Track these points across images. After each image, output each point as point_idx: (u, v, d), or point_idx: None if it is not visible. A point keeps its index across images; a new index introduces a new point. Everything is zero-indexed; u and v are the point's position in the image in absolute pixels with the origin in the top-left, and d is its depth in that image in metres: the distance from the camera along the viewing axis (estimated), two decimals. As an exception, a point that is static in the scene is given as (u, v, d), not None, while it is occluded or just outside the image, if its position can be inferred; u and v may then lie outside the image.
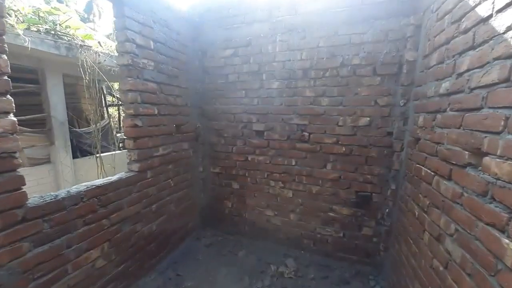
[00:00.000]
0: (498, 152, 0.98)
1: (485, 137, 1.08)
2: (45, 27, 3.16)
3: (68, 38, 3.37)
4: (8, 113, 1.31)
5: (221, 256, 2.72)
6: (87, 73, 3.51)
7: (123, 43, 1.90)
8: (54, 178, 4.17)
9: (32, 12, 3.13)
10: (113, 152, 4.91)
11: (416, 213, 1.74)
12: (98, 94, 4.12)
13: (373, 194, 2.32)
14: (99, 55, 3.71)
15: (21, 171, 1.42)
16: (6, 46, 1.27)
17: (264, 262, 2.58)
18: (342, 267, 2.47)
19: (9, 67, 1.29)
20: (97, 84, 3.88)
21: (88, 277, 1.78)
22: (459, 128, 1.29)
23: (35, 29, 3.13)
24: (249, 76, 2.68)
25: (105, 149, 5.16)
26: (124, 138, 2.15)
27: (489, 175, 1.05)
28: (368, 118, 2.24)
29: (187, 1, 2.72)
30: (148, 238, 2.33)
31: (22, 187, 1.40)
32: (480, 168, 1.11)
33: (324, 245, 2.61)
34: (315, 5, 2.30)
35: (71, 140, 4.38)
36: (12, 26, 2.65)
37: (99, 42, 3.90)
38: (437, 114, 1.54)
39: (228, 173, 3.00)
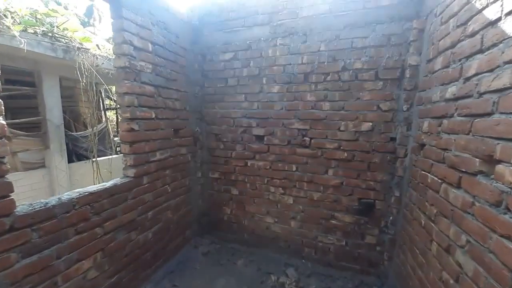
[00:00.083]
0: (514, 160, 0.93)
1: (498, 143, 1.03)
2: (42, 29, 3.12)
3: (66, 40, 3.33)
4: (-5, 116, 1.24)
5: (220, 265, 2.62)
6: (84, 76, 3.46)
7: (120, 45, 1.86)
8: (49, 183, 4.07)
9: (30, 14, 3.10)
10: (110, 157, 4.82)
11: (423, 222, 1.67)
12: (95, 97, 4.06)
13: (376, 201, 2.26)
14: (97, 57, 3.67)
15: (15, 176, 1.35)
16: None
17: (264, 272, 2.49)
18: (344, 277, 2.39)
19: (-2, 68, 1.23)
20: (94, 87, 3.83)
21: (79, 289, 1.69)
22: (468, 134, 1.25)
23: (32, 31, 3.09)
24: (249, 80, 2.64)
25: (101, 153, 5.07)
26: (121, 142, 2.09)
27: (503, 184, 0.99)
28: (371, 123, 2.19)
29: (187, 3, 2.70)
30: (143, 247, 2.24)
31: (10, 194, 1.33)
32: (492, 176, 1.06)
33: (326, 254, 2.53)
34: (317, 9, 2.28)
35: (67, 144, 4.30)
36: (8, 27, 2.60)
37: (97, 45, 3.87)
38: (443, 120, 1.50)
39: (227, 178, 2.93)
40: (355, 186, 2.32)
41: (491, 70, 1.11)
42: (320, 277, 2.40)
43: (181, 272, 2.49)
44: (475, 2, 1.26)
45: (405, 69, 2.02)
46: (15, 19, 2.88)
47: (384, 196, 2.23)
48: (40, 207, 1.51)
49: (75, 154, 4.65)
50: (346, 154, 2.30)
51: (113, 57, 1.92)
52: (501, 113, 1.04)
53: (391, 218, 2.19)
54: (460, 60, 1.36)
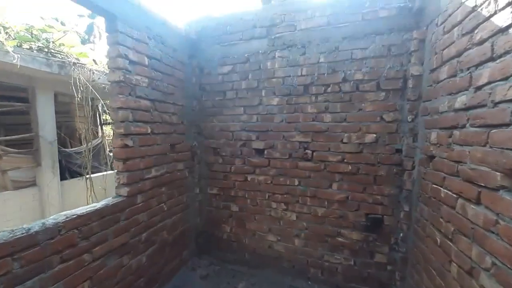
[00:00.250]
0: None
1: (522, 156, 0.95)
2: (37, 44, 3.09)
3: (62, 55, 3.29)
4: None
5: (219, 289, 2.43)
6: (79, 91, 3.39)
7: (115, 59, 1.80)
8: (39, 202, 3.89)
9: (25, 29, 3.08)
10: (105, 173, 4.67)
11: (438, 240, 1.55)
12: (91, 112, 3.99)
13: (385, 216, 2.14)
14: (93, 72, 3.63)
15: (3, 195, 1.23)
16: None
17: (267, 296, 2.31)
18: (354, 300, 2.21)
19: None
20: (90, 102, 3.76)
21: (63, 325, 1.51)
22: (484, 146, 1.17)
23: (27, 47, 3.05)
24: (247, 92, 2.59)
25: (96, 169, 4.92)
26: (114, 159, 1.98)
27: (532, 201, 0.90)
28: (375, 135, 2.12)
29: (184, 18, 2.70)
30: (136, 272, 2.07)
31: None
32: (518, 192, 0.97)
33: (333, 275, 2.36)
34: (315, 21, 2.27)
35: (60, 161, 4.16)
36: (1, 42, 2.56)
37: (94, 60, 3.84)
38: (453, 130, 1.43)
39: (226, 194, 2.80)
40: (362, 200, 2.20)
41: (506, 78, 1.05)
42: (328, 301, 2.22)
43: (178, 299, 2.30)
44: (481, 10, 1.23)
45: (407, 79, 1.98)
46: (9, 35, 2.85)
47: (393, 211, 2.11)
48: (22, 233, 1.38)
49: (68, 171, 4.50)
50: (350, 167, 2.21)
51: (108, 71, 1.85)
52: (522, 123, 0.96)
53: (401, 234, 2.06)
54: (468, 68, 1.31)
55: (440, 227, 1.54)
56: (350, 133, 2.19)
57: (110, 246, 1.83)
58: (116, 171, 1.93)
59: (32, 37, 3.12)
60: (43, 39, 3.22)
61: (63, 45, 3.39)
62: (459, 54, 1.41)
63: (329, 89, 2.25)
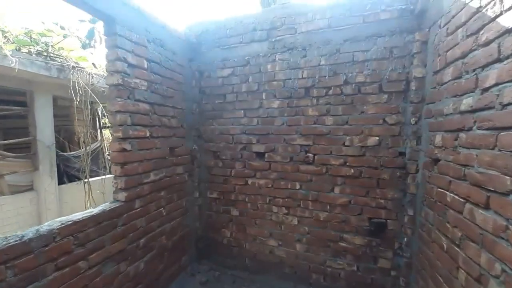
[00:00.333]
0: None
1: (533, 160, 0.91)
2: (36, 48, 3.07)
3: (61, 59, 3.27)
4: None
5: (219, 296, 2.38)
6: (78, 94, 3.37)
7: (114, 62, 1.77)
8: (36, 207, 3.84)
9: (24, 33, 3.06)
10: (103, 177, 4.63)
11: (445, 246, 1.51)
12: (90, 116, 3.96)
13: (388, 220, 2.10)
14: (92, 76, 3.61)
15: (0, 200, 1.18)
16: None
17: (269, 303, 2.25)
18: (358, 308, 2.16)
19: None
20: (89, 106, 3.73)
21: (57, 336, 1.46)
22: (493, 149, 1.13)
23: (26, 50, 3.04)
24: (248, 95, 2.57)
25: (95, 173, 4.88)
26: (112, 164, 1.94)
27: (545, 206, 0.86)
28: (377, 138, 2.09)
29: (184, 21, 2.69)
30: (134, 279, 2.02)
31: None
32: (530, 197, 0.93)
33: (336, 281, 2.31)
34: (315, 24, 2.26)
35: (58, 165, 4.12)
36: (0, 47, 2.54)
37: (93, 64, 3.83)
38: (459, 133, 1.39)
39: (226, 198, 2.76)
40: (364, 204, 2.16)
41: (514, 80, 1.02)
42: (331, 309, 2.16)
43: (177, 307, 2.24)
44: (486, 11, 1.20)
45: (410, 82, 1.96)
46: (8, 38, 2.83)
47: (397, 215, 2.07)
48: (16, 241, 1.34)
49: (66, 175, 4.45)
50: (352, 171, 2.17)
51: (106, 75, 1.83)
52: (532, 125, 0.93)
53: (405, 239, 2.02)
54: (474, 70, 1.28)
55: (446, 232, 1.49)
56: (352, 136, 2.16)
57: (107, 253, 1.78)
58: (114, 175, 1.89)
59: (31, 41, 3.10)
60: (42, 43, 3.21)
61: (62, 49, 3.38)
62: (464, 56, 1.38)
63: (330, 92, 2.23)
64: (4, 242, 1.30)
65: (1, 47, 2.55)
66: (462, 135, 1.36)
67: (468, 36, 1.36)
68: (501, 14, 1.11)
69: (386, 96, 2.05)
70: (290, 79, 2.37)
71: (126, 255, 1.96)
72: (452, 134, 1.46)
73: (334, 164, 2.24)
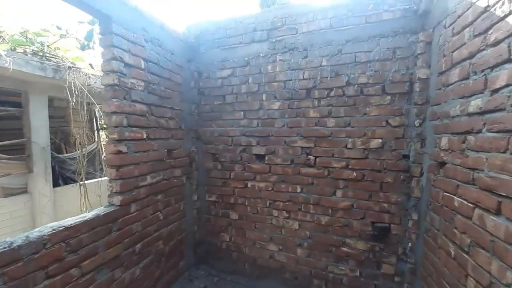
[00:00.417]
0: None
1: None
2: (32, 48, 3.01)
3: (57, 59, 3.21)
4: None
5: (218, 303, 2.30)
6: (74, 95, 3.30)
7: (109, 62, 1.72)
8: (31, 210, 3.75)
9: (20, 33, 3.00)
10: (100, 179, 4.54)
11: (452, 252, 1.46)
12: (86, 117, 3.88)
13: (392, 225, 2.04)
14: (89, 77, 3.55)
15: None
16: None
17: (269, 311, 2.18)
18: (361, 315, 2.09)
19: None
20: (85, 107, 3.66)
21: None
22: (504, 152, 1.08)
23: (22, 50, 2.97)
24: (248, 96, 2.52)
25: (91, 175, 4.79)
26: (107, 166, 1.87)
27: None
28: (380, 140, 2.04)
29: (184, 22, 2.65)
30: (129, 286, 1.95)
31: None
32: (547, 203, 0.88)
33: (338, 286, 2.24)
34: (317, 24, 2.22)
35: (53, 167, 4.03)
36: (-7, 46, 2.48)
37: (90, 64, 3.77)
38: (467, 136, 1.35)
39: (225, 201, 2.69)
40: (367, 208, 2.11)
41: (527, 80, 0.97)
42: (334, 316, 2.10)
43: (174, 315, 2.16)
44: (494, 10, 1.16)
45: (413, 83, 1.92)
46: (3, 38, 2.77)
47: (400, 219, 2.02)
48: (4, 248, 1.27)
49: (61, 177, 4.36)
50: (355, 174, 2.12)
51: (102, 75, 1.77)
52: (548, 128, 0.88)
53: (409, 244, 1.96)
54: (483, 71, 1.24)
55: (454, 239, 1.44)
56: (355, 138, 2.11)
57: (101, 259, 1.71)
58: (109, 178, 1.83)
59: (27, 40, 3.04)
60: (38, 42, 3.14)
61: (59, 49, 3.31)
62: (471, 56, 1.34)
63: (332, 93, 2.18)
64: (-8, 250, 1.23)
65: (-5, 47, 2.49)
66: (471, 137, 1.32)
67: (475, 36, 1.32)
68: (510, 13, 1.07)
69: (389, 97, 2.00)
70: (291, 80, 2.32)
71: (121, 261, 1.89)
72: (460, 136, 1.42)
73: (336, 167, 2.19)
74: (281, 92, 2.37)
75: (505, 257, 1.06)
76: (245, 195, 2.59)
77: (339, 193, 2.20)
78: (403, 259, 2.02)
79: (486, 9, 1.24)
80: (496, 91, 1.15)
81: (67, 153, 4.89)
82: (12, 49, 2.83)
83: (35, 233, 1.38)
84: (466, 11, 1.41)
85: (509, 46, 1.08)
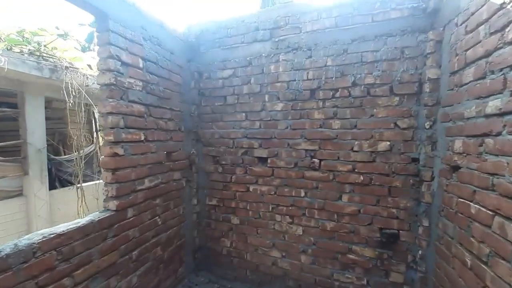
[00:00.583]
0: None
1: None
2: (28, 47, 2.94)
3: (54, 59, 3.14)
4: None
5: (218, 313, 2.21)
6: (71, 96, 3.23)
7: (106, 60, 1.64)
8: (26, 213, 3.64)
9: (16, 32, 2.93)
10: (97, 182, 4.45)
11: (469, 262, 1.37)
12: (84, 119, 3.80)
13: (401, 231, 1.96)
14: (87, 77, 3.47)
15: None
16: None
17: (272, 321, 2.08)
18: (368, 326, 2.00)
19: None
20: (83, 108, 3.58)
21: None
22: (529, 156, 1.00)
23: (18, 50, 2.90)
24: (250, 97, 2.44)
25: (88, 178, 4.70)
26: (102, 169, 1.79)
27: None
28: (388, 143, 1.96)
29: (184, 22, 2.59)
30: (125, 296, 1.85)
31: None
32: None
33: (343, 296, 2.15)
34: (321, 23, 2.15)
35: (50, 169, 3.94)
36: (-13, 45, 2.41)
37: (89, 65, 3.69)
38: (485, 138, 1.27)
39: (226, 206, 2.60)
40: (375, 214, 2.02)
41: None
42: (340, 327, 2.00)
43: (172, 325, 2.06)
44: (511, 7, 1.09)
45: (423, 83, 1.84)
46: (0, 38, 2.70)
47: (410, 225, 1.93)
48: (-9, 256, 1.18)
49: (58, 179, 4.27)
50: (362, 178, 2.04)
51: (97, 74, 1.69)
52: None
53: (420, 252, 1.87)
54: (501, 70, 1.17)
55: (471, 248, 1.36)
56: (361, 141, 2.03)
57: (95, 268, 1.63)
58: (104, 182, 1.74)
59: (23, 40, 2.97)
60: (35, 42, 3.07)
61: (56, 49, 3.25)
62: (488, 54, 1.27)
63: (337, 94, 2.11)
64: (-23, 259, 1.15)
65: (-11, 46, 2.42)
66: (489, 140, 1.24)
67: (492, 34, 1.25)
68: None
69: (397, 98, 1.93)
70: (295, 80, 2.25)
71: (117, 269, 1.80)
72: (476, 139, 1.34)
73: (341, 170, 2.11)
74: (284, 93, 2.29)
75: (530, 269, 0.97)
76: (246, 199, 2.50)
77: (345, 197, 2.11)
78: (413, 267, 1.93)
79: (502, 6, 1.17)
80: (518, 90, 1.07)
81: (65, 155, 4.80)
82: (8, 48, 2.76)
83: (24, 241, 1.29)
84: (480, 8, 1.34)
85: (532, 43, 1.01)
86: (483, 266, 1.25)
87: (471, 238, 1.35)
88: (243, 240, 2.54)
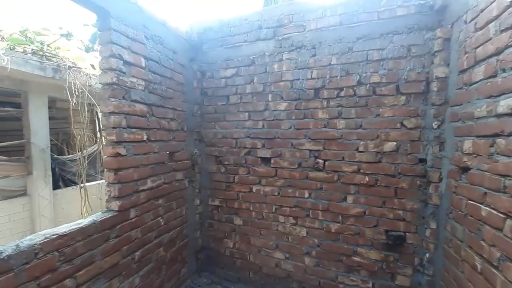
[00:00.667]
0: None
1: None
2: (31, 47, 2.94)
3: (57, 59, 3.14)
4: None
5: (221, 314, 2.19)
6: (74, 96, 3.23)
7: (108, 59, 1.62)
8: (30, 213, 3.66)
9: (19, 32, 2.94)
10: (101, 181, 4.46)
11: (478, 266, 1.33)
12: (87, 118, 3.81)
13: (407, 234, 1.92)
14: (90, 77, 3.47)
15: None
16: None
17: (275, 324, 2.05)
18: (373, 329, 1.96)
19: None
20: (86, 108, 3.59)
21: None
22: (545, 157, 0.96)
23: (21, 50, 2.91)
24: (253, 97, 2.41)
25: (92, 178, 4.71)
26: (105, 169, 1.77)
27: None
28: (394, 143, 1.92)
29: (186, 21, 2.57)
30: (128, 297, 1.84)
31: None
32: None
33: (348, 299, 2.12)
34: (326, 21, 2.12)
35: (54, 169, 3.95)
36: (-9, 45, 2.41)
37: (92, 65, 3.70)
38: (497, 139, 1.23)
39: (229, 206, 2.58)
40: (381, 215, 1.98)
41: None
42: (344, 330, 1.97)
43: (174, 327, 2.05)
44: (525, 2, 1.05)
45: (430, 82, 1.80)
46: (2, 37, 2.70)
47: (417, 228, 1.89)
48: (-7, 258, 1.17)
49: (62, 179, 4.28)
50: (367, 179, 2.00)
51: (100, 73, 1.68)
52: None
53: (427, 255, 1.83)
54: (514, 67, 1.13)
55: (481, 251, 1.32)
56: (367, 141, 2.00)
57: (97, 269, 1.61)
58: (107, 182, 1.73)
59: (26, 39, 2.97)
60: (38, 42, 3.08)
61: (59, 48, 3.25)
62: (498, 52, 1.23)
63: (342, 93, 2.07)
64: (-21, 260, 1.14)
65: (-8, 45, 2.42)
66: (501, 141, 1.20)
67: (502, 31, 1.21)
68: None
69: (404, 97, 1.89)
70: (298, 79, 2.22)
71: (119, 270, 1.78)
72: (487, 139, 1.30)
73: (346, 171, 2.07)
74: (288, 92, 2.26)
75: (546, 275, 0.94)
76: (249, 200, 2.48)
77: (350, 199, 2.08)
78: (419, 271, 1.89)
79: (513, 3, 1.13)
80: (533, 89, 1.03)
81: (69, 154, 4.82)
82: (11, 48, 2.77)
83: (26, 242, 1.28)
84: (490, 4, 1.30)
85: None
86: (494, 270, 1.21)
87: (482, 241, 1.31)
88: (246, 241, 2.52)
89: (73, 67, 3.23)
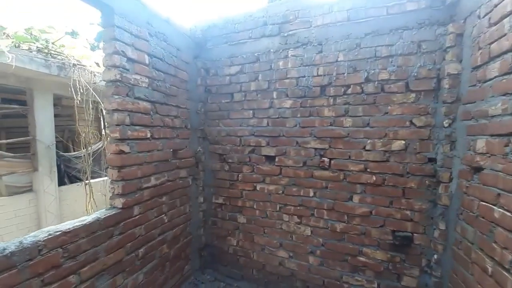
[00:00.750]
0: None
1: None
2: (36, 45, 2.95)
3: (62, 57, 3.15)
4: None
5: (224, 312, 2.18)
6: (79, 93, 3.23)
7: (111, 56, 1.61)
8: (35, 209, 3.71)
9: (24, 30, 2.94)
10: (105, 178, 4.49)
11: (489, 269, 1.29)
12: (92, 116, 3.82)
13: (415, 234, 1.87)
14: (94, 75, 3.48)
15: None
16: None
17: (279, 323, 2.04)
18: (379, 331, 1.93)
19: None
20: (90, 105, 3.60)
21: None
22: None
23: (26, 47, 2.91)
24: (257, 94, 2.38)
25: (97, 174, 4.75)
26: (108, 167, 1.77)
27: None
28: (403, 142, 1.87)
29: (190, 17, 2.55)
30: (131, 294, 1.84)
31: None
32: None
33: (353, 299, 2.09)
34: (333, 17, 2.07)
35: (59, 166, 3.99)
36: (-4, 42, 2.42)
37: (96, 63, 3.70)
38: (512, 138, 1.18)
39: (232, 204, 2.57)
40: (388, 215, 1.94)
41: None
42: (349, 331, 1.95)
43: (178, 324, 2.05)
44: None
45: (442, 79, 1.74)
46: (7, 35, 2.71)
47: (425, 228, 1.84)
48: (-4, 255, 1.17)
49: (67, 176, 4.33)
50: (374, 178, 1.96)
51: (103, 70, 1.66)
52: None
53: (435, 256, 1.79)
54: (534, 63, 1.07)
55: (492, 254, 1.27)
56: (374, 140, 1.95)
57: (101, 265, 1.62)
58: (110, 180, 1.72)
59: (31, 37, 2.98)
60: (43, 39, 3.08)
61: (64, 46, 3.25)
62: (516, 47, 1.17)
63: (349, 90, 2.02)
64: (-17, 257, 1.14)
65: (-2, 43, 2.43)
66: (517, 140, 1.15)
67: (520, 25, 1.15)
68: None
69: (413, 95, 1.83)
70: (304, 76, 2.18)
71: (123, 267, 1.79)
72: (502, 139, 1.25)
73: (353, 170, 2.03)
74: (293, 89, 2.23)
75: None
76: (253, 198, 2.46)
77: (356, 198, 2.04)
78: (427, 272, 1.85)
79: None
80: (553, 86, 0.98)
81: (74, 151, 4.87)
82: (16, 46, 2.78)
83: (29, 239, 1.28)
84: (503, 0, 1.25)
85: None
86: (505, 273, 1.17)
87: (493, 244, 1.27)
88: (249, 239, 2.50)
89: (78, 64, 3.23)
